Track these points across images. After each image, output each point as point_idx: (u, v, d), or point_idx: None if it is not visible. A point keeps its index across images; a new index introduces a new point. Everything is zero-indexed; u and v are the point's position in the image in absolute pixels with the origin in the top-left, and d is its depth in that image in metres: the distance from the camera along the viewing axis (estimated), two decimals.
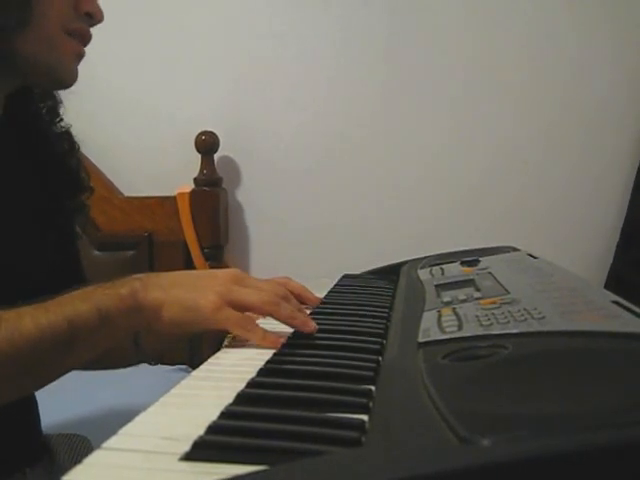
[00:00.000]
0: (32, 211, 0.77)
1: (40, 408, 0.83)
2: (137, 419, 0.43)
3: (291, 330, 0.64)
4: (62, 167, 0.82)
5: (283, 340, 0.60)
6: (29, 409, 0.80)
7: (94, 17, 0.71)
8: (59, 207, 0.81)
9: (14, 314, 0.56)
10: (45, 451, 0.82)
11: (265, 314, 0.64)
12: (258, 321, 0.65)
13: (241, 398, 0.46)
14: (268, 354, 0.57)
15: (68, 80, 0.72)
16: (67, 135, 0.83)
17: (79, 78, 0.74)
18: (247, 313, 0.63)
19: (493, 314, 0.54)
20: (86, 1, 0.69)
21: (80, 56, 0.72)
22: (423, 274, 0.83)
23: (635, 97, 1.49)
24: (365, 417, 0.41)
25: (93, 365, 0.79)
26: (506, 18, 1.52)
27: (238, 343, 0.64)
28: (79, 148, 0.85)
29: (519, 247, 0.93)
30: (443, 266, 0.85)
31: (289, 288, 0.74)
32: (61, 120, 0.83)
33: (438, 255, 0.95)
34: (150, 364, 1.18)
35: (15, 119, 0.76)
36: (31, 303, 0.57)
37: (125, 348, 0.72)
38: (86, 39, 0.72)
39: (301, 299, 0.75)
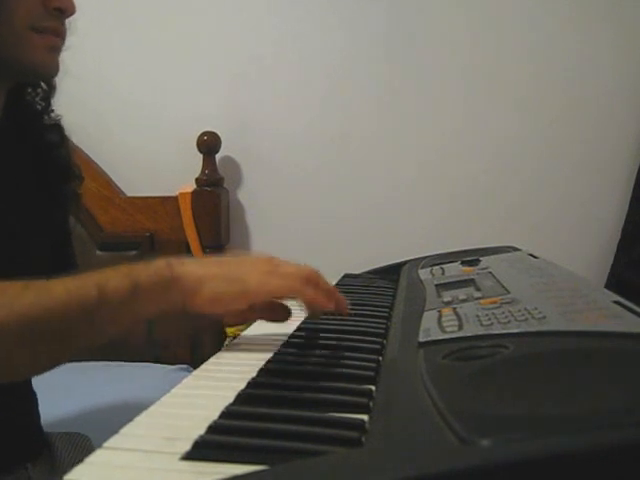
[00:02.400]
0: (26, 201, 0.78)
1: (41, 406, 0.83)
2: (138, 418, 0.43)
3: (290, 330, 0.65)
4: (53, 157, 0.83)
5: (333, 304, 0.59)
6: (29, 405, 0.81)
7: (65, 11, 0.70)
8: (52, 197, 0.82)
9: (43, 281, 0.54)
10: (46, 447, 0.83)
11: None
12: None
13: (241, 398, 0.46)
14: (269, 354, 0.57)
15: (45, 73, 0.72)
16: (58, 126, 0.84)
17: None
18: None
19: (493, 314, 0.54)
20: None
21: (55, 48, 0.71)
22: (423, 274, 0.83)
23: (636, 97, 1.49)
24: (365, 417, 0.41)
25: (105, 351, 0.77)
26: (507, 18, 1.52)
27: (239, 343, 0.64)
28: (69, 138, 0.85)
29: (519, 247, 0.93)
30: (443, 266, 0.85)
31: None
32: (52, 111, 0.83)
33: (438, 255, 0.95)
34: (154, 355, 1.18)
35: (11, 113, 0.77)
36: None
37: (138, 337, 0.68)
38: (60, 32, 0.70)
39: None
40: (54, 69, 0.72)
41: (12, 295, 0.52)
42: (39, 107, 0.82)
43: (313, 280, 0.59)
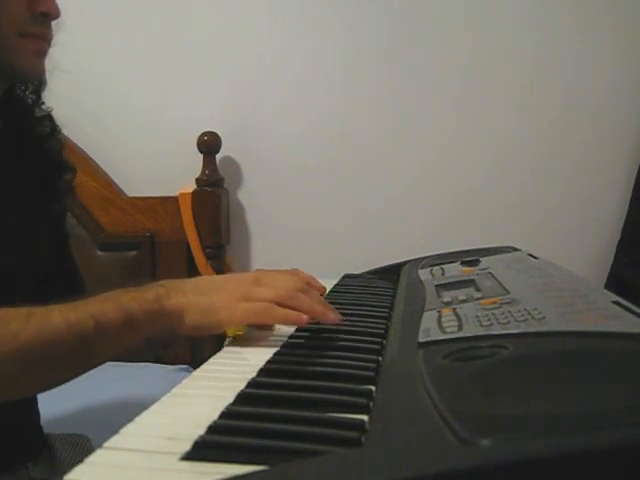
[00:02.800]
0: (25, 200, 0.79)
1: (41, 407, 0.83)
2: (138, 419, 0.43)
3: (291, 330, 0.65)
4: (46, 149, 0.83)
5: (306, 317, 0.61)
6: (29, 405, 0.81)
7: (50, 16, 0.71)
8: (48, 192, 0.83)
9: (43, 310, 0.58)
10: (46, 447, 0.83)
11: (284, 307, 0.63)
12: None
13: (241, 398, 0.46)
14: (268, 354, 0.57)
15: (31, 76, 0.74)
16: (49, 118, 0.85)
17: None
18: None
19: (493, 314, 0.54)
20: (40, 1, 0.69)
21: (42, 52, 0.72)
22: (423, 274, 0.83)
23: (636, 96, 1.49)
24: (365, 417, 0.41)
25: None
26: (507, 18, 1.52)
27: (239, 343, 0.64)
28: (60, 130, 0.86)
29: (519, 247, 0.93)
30: (443, 266, 0.85)
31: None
32: (43, 103, 0.84)
33: (438, 255, 0.95)
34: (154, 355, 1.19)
35: (6, 112, 0.78)
36: (60, 302, 0.59)
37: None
38: (46, 37, 0.72)
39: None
40: (41, 72, 0.73)
41: (16, 326, 0.56)
42: (30, 101, 0.82)
43: (288, 298, 0.62)
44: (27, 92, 0.82)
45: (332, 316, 0.63)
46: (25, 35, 0.69)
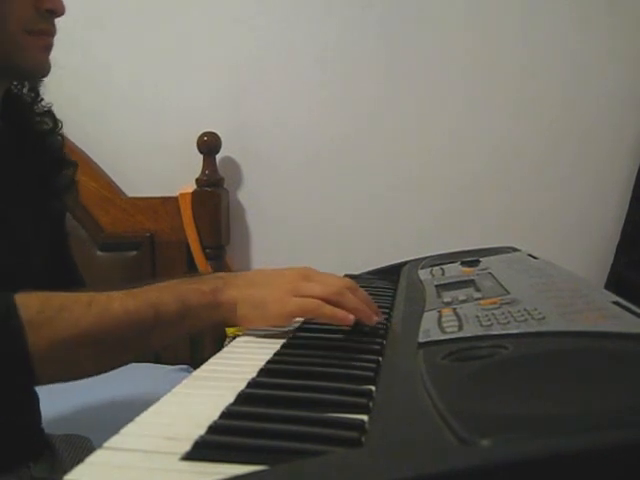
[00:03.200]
0: (26, 198, 0.79)
1: (42, 407, 0.83)
2: (138, 419, 0.43)
3: (290, 330, 0.65)
4: (47, 145, 0.84)
5: (352, 317, 0.62)
6: (31, 405, 0.81)
7: (56, 12, 0.72)
8: (49, 188, 0.83)
9: (105, 297, 0.60)
10: (47, 447, 0.83)
11: (332, 304, 0.64)
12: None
13: (242, 398, 0.46)
14: (268, 354, 0.57)
15: (39, 73, 0.74)
16: (49, 114, 0.85)
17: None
18: None
19: (493, 314, 0.54)
20: None
21: (48, 48, 0.73)
22: (423, 274, 0.83)
23: (635, 97, 1.49)
24: (365, 417, 0.41)
25: None
26: (505, 18, 1.51)
27: (238, 343, 0.64)
28: (62, 126, 0.86)
29: (519, 247, 0.93)
30: (443, 266, 0.85)
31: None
32: (42, 100, 0.84)
33: (438, 255, 0.95)
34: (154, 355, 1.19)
35: (7, 112, 0.78)
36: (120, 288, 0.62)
37: None
38: (50, 33, 0.73)
39: None
40: (47, 68, 0.74)
41: (78, 313, 0.59)
42: (29, 98, 0.83)
43: (336, 295, 0.63)
44: (24, 90, 0.82)
45: (375, 319, 0.64)
46: (32, 32, 0.70)
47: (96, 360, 0.61)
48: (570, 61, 1.50)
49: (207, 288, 0.63)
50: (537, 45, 1.51)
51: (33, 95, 0.83)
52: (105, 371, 0.63)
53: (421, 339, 0.52)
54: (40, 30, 0.71)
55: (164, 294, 0.62)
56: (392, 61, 1.55)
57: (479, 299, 0.61)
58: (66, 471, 0.35)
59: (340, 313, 0.62)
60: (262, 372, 0.52)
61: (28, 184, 0.80)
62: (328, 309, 0.62)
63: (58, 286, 0.82)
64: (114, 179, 1.62)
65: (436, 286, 0.72)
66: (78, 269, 0.93)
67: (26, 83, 0.82)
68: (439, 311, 0.60)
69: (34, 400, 0.82)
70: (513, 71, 1.52)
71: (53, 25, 0.72)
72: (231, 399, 0.45)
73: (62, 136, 0.86)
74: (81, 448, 0.86)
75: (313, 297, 0.63)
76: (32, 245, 0.78)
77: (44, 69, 0.73)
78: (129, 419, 0.42)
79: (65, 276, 0.89)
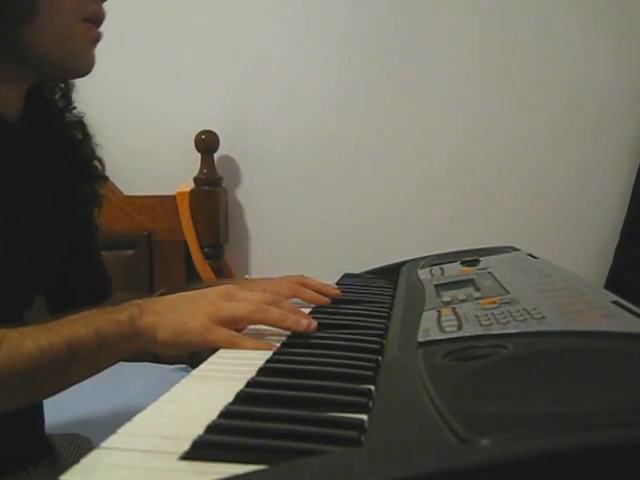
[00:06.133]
0: (49, 199, 0.78)
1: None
2: (136, 418, 0.43)
3: (287, 332, 0.64)
4: (74, 155, 0.82)
5: (275, 345, 0.60)
6: (34, 409, 0.81)
7: None
8: (74, 195, 0.82)
9: (16, 333, 0.58)
10: (47, 450, 0.82)
11: (255, 323, 0.64)
12: (249, 327, 0.66)
13: (241, 397, 0.46)
14: (268, 354, 0.57)
15: (86, 69, 0.72)
16: (80, 124, 0.83)
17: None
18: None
19: (493, 314, 0.54)
20: None
21: (97, 40, 0.71)
22: (423, 274, 0.83)
23: (636, 97, 1.49)
24: (365, 417, 0.41)
25: None
26: (509, 19, 1.52)
27: None
28: (94, 137, 0.85)
29: (519, 247, 0.93)
30: (443, 266, 0.85)
31: (305, 285, 0.76)
32: (74, 108, 0.83)
33: (438, 255, 0.95)
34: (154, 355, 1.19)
35: (32, 111, 0.76)
36: (34, 323, 0.60)
37: None
38: (101, 20, 0.70)
39: (321, 294, 0.77)
40: (92, 64, 0.72)
41: None
42: (60, 105, 0.81)
43: (257, 313, 0.62)
44: (56, 96, 0.80)
45: (305, 322, 0.62)
46: (86, 17, 0.67)
47: (10, 399, 0.59)
48: (571, 62, 1.50)
49: (123, 317, 0.61)
50: (539, 46, 1.51)
51: (65, 102, 0.81)
52: (23, 405, 0.62)
53: (420, 338, 0.52)
54: (93, 14, 0.68)
55: (78, 327, 0.59)
56: (395, 61, 1.55)
57: (479, 299, 0.61)
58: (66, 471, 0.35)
59: (262, 345, 0.60)
60: (261, 371, 0.52)
61: (48, 190, 0.78)
62: (250, 343, 0.60)
63: (83, 293, 0.82)
64: (111, 177, 1.61)
65: (435, 285, 0.72)
66: (106, 277, 0.93)
67: (57, 89, 0.80)
68: (438, 311, 0.60)
69: (39, 408, 0.81)
70: (514, 72, 1.52)
71: (103, 10, 0.70)
72: (230, 398, 0.45)
73: (94, 148, 0.85)
74: (82, 448, 0.86)
75: (235, 318, 0.62)
76: (47, 248, 0.77)
77: (90, 64, 0.71)
78: (127, 419, 0.42)
79: (92, 285, 0.90)
